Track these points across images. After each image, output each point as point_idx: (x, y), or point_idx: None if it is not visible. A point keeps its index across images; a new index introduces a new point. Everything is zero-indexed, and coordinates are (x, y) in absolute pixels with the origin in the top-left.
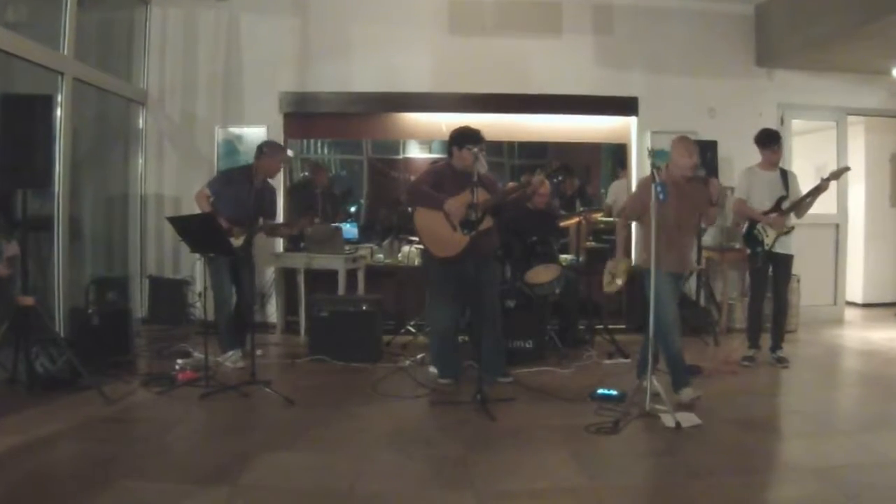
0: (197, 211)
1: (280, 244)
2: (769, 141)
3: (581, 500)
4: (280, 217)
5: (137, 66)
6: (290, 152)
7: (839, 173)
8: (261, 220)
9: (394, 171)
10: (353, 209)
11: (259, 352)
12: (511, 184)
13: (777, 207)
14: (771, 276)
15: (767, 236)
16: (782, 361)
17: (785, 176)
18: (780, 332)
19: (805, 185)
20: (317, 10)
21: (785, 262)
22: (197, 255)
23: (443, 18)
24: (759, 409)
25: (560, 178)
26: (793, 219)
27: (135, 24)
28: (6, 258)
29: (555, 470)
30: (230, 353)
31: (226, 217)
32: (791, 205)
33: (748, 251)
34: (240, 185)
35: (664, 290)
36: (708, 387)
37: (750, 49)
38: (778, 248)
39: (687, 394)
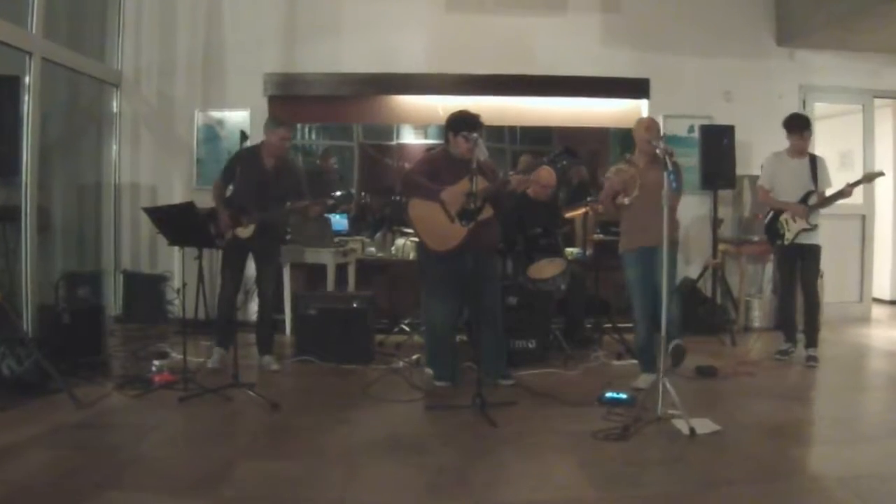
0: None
1: None
2: (796, 126)
3: None
4: None
5: (111, 46)
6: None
7: (871, 177)
8: (288, 204)
9: (387, 157)
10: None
11: (275, 367)
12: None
13: (803, 202)
14: (799, 269)
15: (789, 231)
16: (812, 360)
17: (814, 164)
18: (813, 328)
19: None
20: None
21: (812, 253)
22: (176, 249)
23: None
24: (779, 413)
25: (564, 162)
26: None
27: None
28: None
29: (560, 479)
30: (214, 350)
31: (237, 204)
32: (818, 203)
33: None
34: (248, 166)
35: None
36: (725, 389)
37: (770, 27)
38: (803, 239)
39: (645, 380)
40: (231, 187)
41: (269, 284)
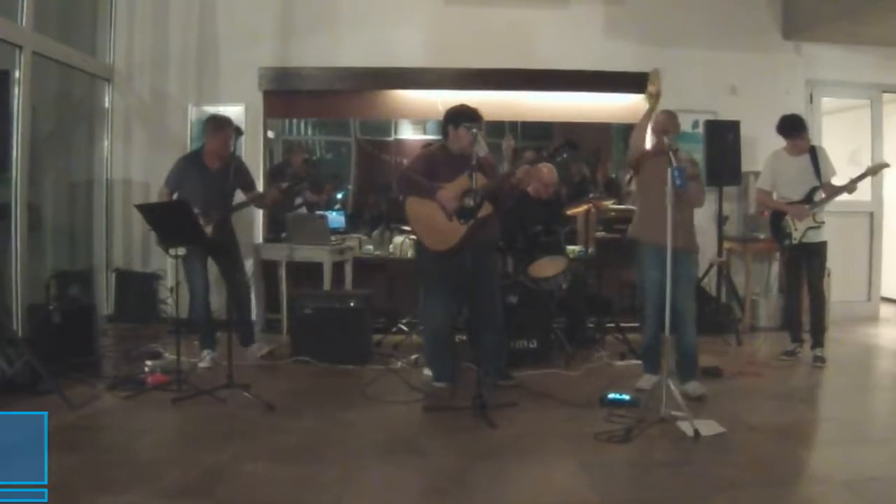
0: None
1: (259, 235)
2: (793, 129)
3: None
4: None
5: (103, 39)
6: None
7: (876, 169)
8: (241, 196)
9: (384, 153)
10: (339, 196)
11: (265, 349)
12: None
13: (808, 200)
14: (805, 267)
15: (796, 229)
16: (818, 360)
17: (815, 158)
18: (819, 328)
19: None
20: None
21: (817, 251)
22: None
23: None
24: (785, 414)
25: (564, 156)
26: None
27: None
28: None
29: (561, 482)
30: (203, 353)
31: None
32: (824, 199)
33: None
34: (194, 171)
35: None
36: (730, 390)
37: (776, 20)
38: (809, 238)
39: (648, 381)
40: (176, 195)
41: (235, 274)
